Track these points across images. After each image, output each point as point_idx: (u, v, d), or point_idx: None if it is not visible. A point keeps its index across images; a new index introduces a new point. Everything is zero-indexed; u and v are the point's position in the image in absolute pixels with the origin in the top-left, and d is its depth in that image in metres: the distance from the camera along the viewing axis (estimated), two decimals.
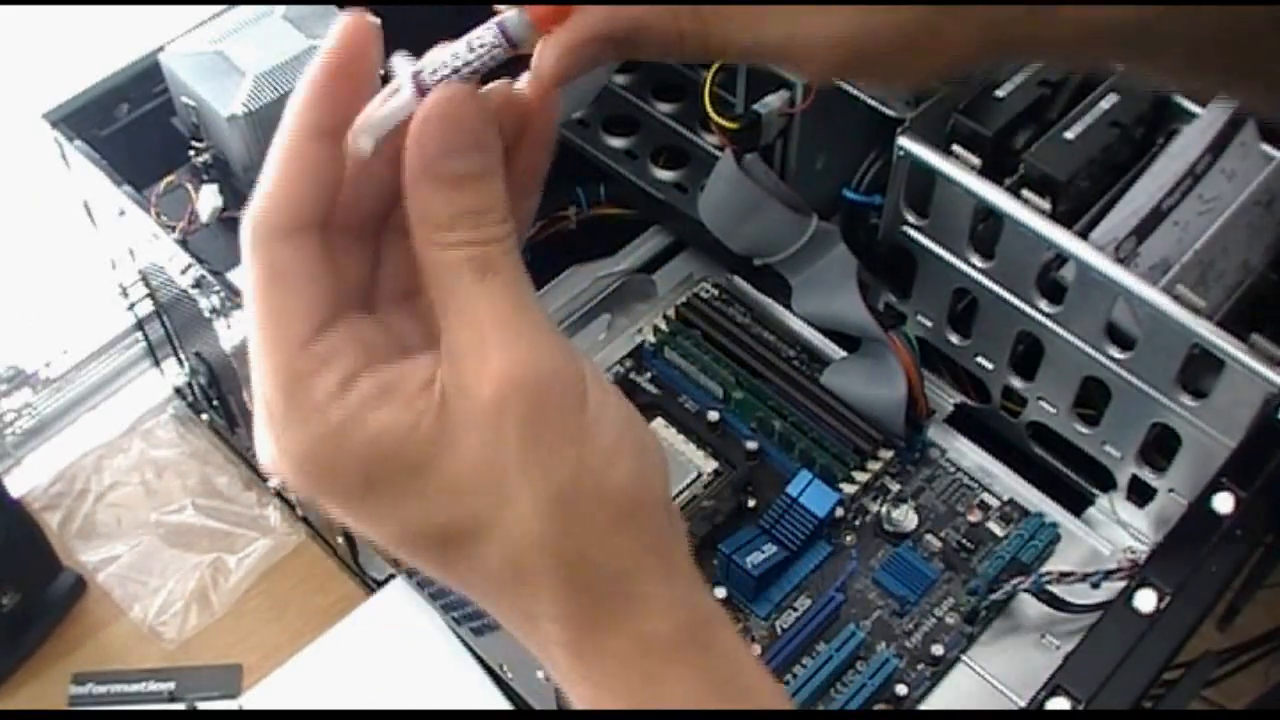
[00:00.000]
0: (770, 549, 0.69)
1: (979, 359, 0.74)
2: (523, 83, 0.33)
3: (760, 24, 0.31)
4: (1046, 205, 0.67)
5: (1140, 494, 0.71)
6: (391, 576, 0.77)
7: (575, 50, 0.31)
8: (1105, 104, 0.71)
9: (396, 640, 0.75)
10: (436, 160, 0.29)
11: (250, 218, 0.31)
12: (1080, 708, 0.51)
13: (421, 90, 0.31)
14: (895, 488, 0.74)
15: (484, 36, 0.31)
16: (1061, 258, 0.66)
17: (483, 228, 0.30)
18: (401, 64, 0.31)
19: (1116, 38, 0.33)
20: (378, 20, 0.32)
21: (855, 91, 0.72)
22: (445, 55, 0.31)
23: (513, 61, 0.32)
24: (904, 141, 0.69)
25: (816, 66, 0.32)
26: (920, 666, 0.67)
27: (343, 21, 0.32)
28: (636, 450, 0.31)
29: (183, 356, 0.80)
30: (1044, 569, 0.69)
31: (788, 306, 0.80)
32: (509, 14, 0.31)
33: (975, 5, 0.31)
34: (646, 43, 0.31)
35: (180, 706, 0.74)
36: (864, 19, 0.31)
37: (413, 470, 0.30)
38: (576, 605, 0.31)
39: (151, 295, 0.78)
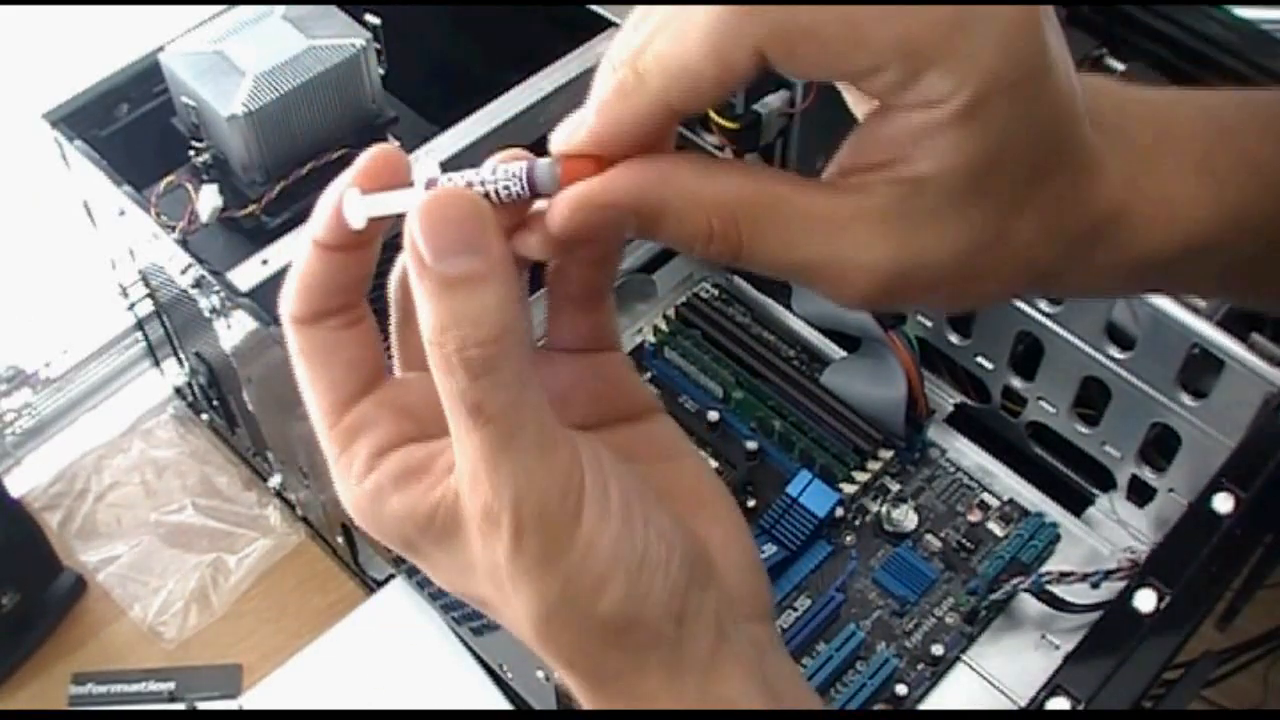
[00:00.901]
0: (770, 549, 0.69)
1: (979, 359, 0.74)
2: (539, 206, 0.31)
3: (797, 244, 0.30)
4: None
5: (1140, 494, 0.71)
6: (391, 576, 0.77)
7: (591, 210, 0.30)
8: None
9: (396, 640, 0.75)
10: (429, 260, 0.28)
11: (280, 306, 0.32)
12: (1080, 708, 0.51)
13: None
14: (895, 488, 0.74)
15: (510, 170, 0.30)
16: None
17: (468, 349, 0.28)
18: (424, 162, 0.31)
19: (1153, 271, 0.34)
20: (401, 153, 0.31)
21: None
22: (467, 173, 0.30)
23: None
24: None
25: (853, 293, 0.30)
26: (920, 666, 0.67)
27: (370, 152, 0.31)
28: (633, 571, 0.30)
29: (183, 356, 0.80)
30: (1044, 569, 0.69)
31: (788, 306, 0.80)
32: (540, 163, 0.30)
33: (1017, 246, 0.31)
34: (671, 231, 0.30)
35: (180, 706, 0.74)
36: (903, 253, 0.29)
37: (437, 545, 0.31)
38: (582, 690, 0.33)
39: (151, 295, 0.78)
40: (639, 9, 0.29)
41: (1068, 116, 0.30)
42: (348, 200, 0.31)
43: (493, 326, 0.28)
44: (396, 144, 0.32)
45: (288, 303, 0.32)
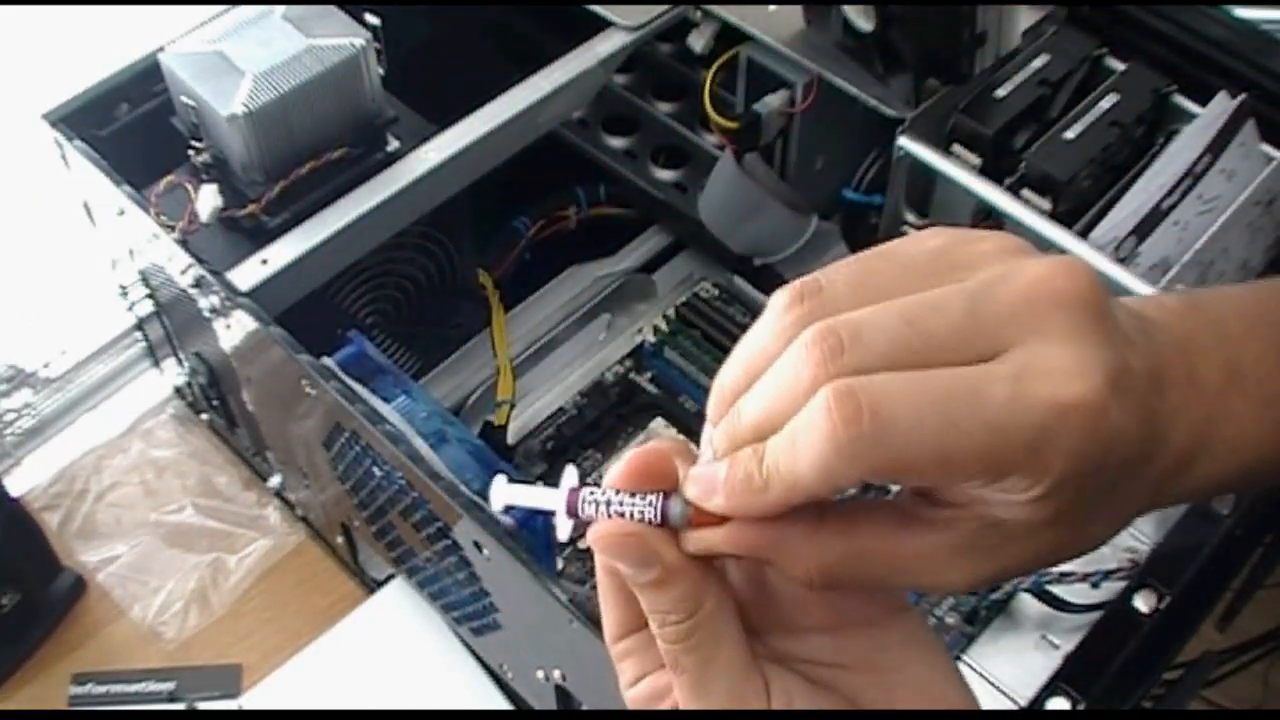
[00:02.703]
0: None
1: None
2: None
3: (890, 581, 0.33)
4: (1046, 205, 0.67)
5: None
6: (391, 576, 0.77)
7: (713, 553, 0.33)
8: (1105, 104, 0.71)
9: (396, 640, 0.75)
10: (622, 571, 0.34)
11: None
12: (1080, 708, 0.51)
13: (570, 504, 0.34)
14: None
15: (648, 501, 0.34)
16: None
17: (667, 626, 0.34)
18: (570, 475, 0.35)
19: (1213, 494, 0.38)
20: (663, 455, 0.34)
21: (855, 92, 0.72)
22: (608, 493, 0.34)
23: None
24: (904, 141, 0.69)
25: (938, 595, 0.33)
26: None
27: (638, 455, 0.34)
28: None
29: (182, 356, 0.80)
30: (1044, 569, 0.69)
31: None
32: (675, 503, 0.33)
33: (1089, 538, 0.33)
34: (779, 575, 0.34)
35: (180, 706, 0.74)
36: (985, 574, 0.33)
37: None
38: None
39: (151, 295, 0.78)
40: (735, 360, 0.32)
41: (1136, 455, 0.32)
42: (495, 486, 0.36)
43: (680, 613, 0.34)
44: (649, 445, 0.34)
45: (599, 547, 0.35)
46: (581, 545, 0.73)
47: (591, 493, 0.34)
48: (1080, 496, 0.31)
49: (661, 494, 0.33)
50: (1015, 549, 0.32)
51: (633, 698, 0.37)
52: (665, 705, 0.36)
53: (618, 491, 0.34)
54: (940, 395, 0.29)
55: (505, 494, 0.36)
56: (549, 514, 0.35)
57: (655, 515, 0.33)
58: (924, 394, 0.29)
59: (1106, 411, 0.29)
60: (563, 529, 0.35)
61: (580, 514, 0.34)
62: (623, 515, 0.34)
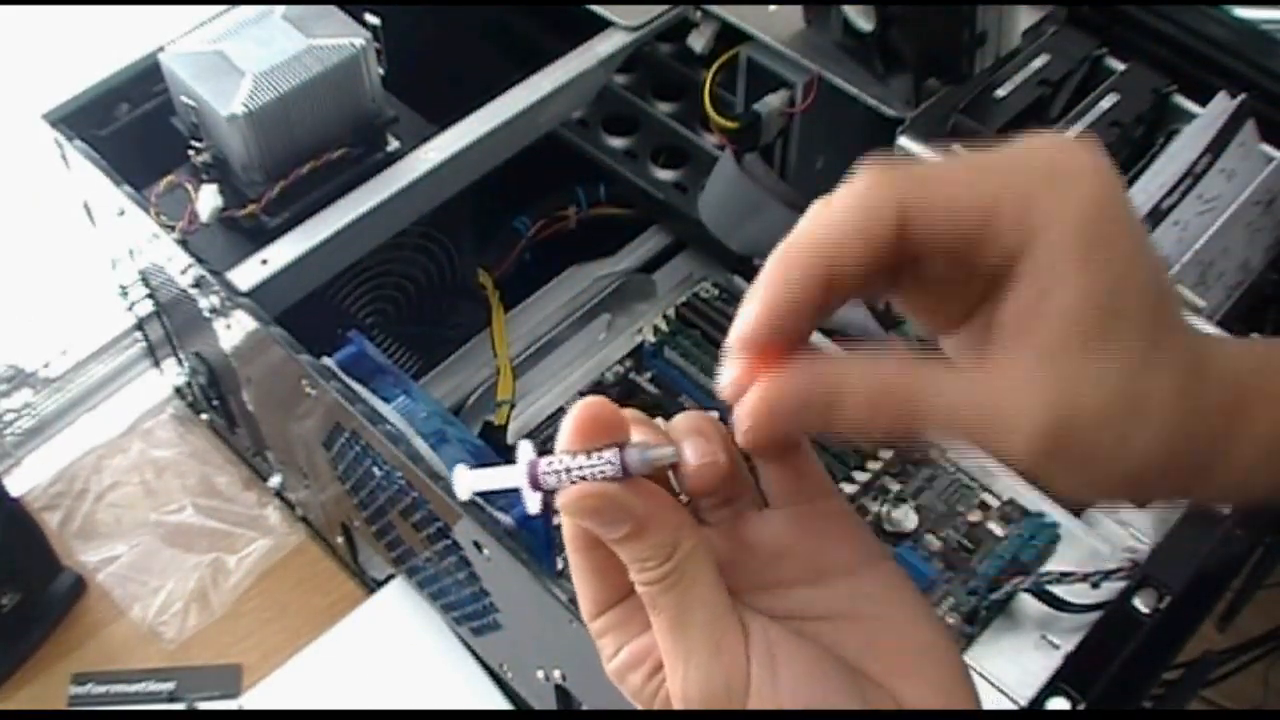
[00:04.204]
0: None
1: None
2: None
3: (962, 406, 0.32)
4: None
5: None
6: (391, 576, 0.77)
7: (771, 416, 0.34)
8: (1105, 104, 0.71)
9: (396, 640, 0.75)
10: (599, 532, 0.35)
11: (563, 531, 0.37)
12: (1080, 708, 0.51)
13: (533, 477, 0.34)
14: (895, 488, 0.74)
15: (603, 457, 0.34)
16: None
17: (645, 571, 0.35)
18: (525, 448, 0.35)
19: None
20: (609, 408, 0.34)
21: (855, 92, 0.72)
22: (565, 459, 0.34)
23: None
24: (904, 141, 0.69)
25: (1020, 445, 0.32)
26: None
27: (581, 408, 0.34)
28: None
29: (182, 356, 0.80)
30: (1044, 569, 0.69)
31: None
32: (631, 453, 0.34)
33: (1157, 405, 0.32)
34: (848, 420, 0.33)
35: (180, 706, 0.74)
36: (1059, 400, 0.32)
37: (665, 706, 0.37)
38: None
39: (151, 295, 0.78)
40: None
41: (1168, 284, 0.33)
42: (457, 476, 0.36)
43: (657, 558, 0.35)
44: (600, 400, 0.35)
45: (567, 529, 0.36)
46: None
47: (550, 463, 0.34)
48: (1121, 299, 0.31)
49: (617, 447, 0.34)
50: (1075, 371, 0.31)
51: (614, 669, 0.38)
52: (645, 668, 0.37)
53: (574, 455, 0.34)
54: (967, 159, 0.33)
55: (469, 480, 0.36)
56: (514, 491, 0.35)
57: (617, 470, 0.33)
58: (956, 162, 0.33)
59: (1099, 196, 0.31)
60: (531, 503, 0.35)
61: (543, 486, 0.34)
62: (584, 478, 0.34)
